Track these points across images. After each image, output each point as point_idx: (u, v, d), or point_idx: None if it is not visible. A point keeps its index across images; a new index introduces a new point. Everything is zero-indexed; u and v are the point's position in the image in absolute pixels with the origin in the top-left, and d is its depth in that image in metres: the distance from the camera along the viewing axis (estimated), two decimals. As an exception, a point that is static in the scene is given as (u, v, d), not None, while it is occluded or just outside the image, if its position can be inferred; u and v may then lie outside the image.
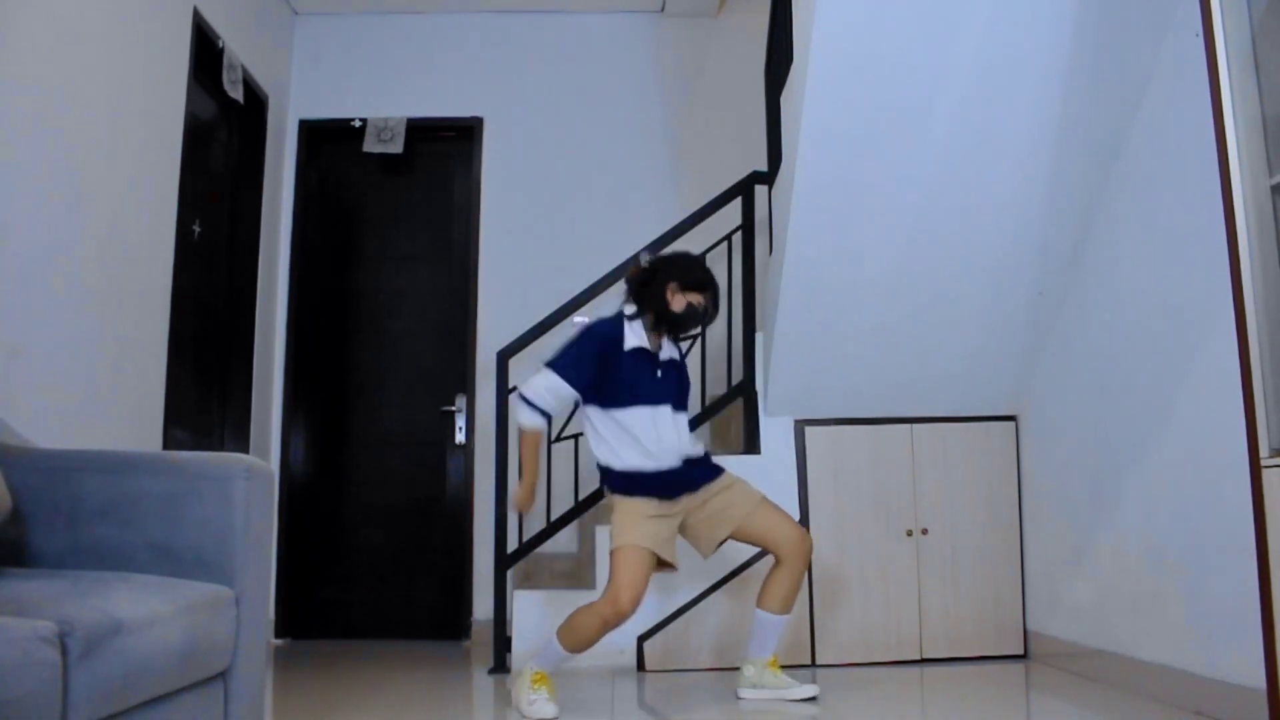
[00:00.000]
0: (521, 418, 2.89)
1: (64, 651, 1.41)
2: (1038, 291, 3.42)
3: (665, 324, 2.90)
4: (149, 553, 1.96)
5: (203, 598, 1.84)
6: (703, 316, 2.94)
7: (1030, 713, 3.00)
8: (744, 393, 3.82)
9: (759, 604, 2.95)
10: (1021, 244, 3.29)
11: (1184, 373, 2.72)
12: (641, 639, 3.54)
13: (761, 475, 3.65)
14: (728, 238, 3.91)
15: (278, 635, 4.33)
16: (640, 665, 3.53)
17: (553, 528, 3.75)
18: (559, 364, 2.86)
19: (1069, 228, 3.26)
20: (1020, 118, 3.01)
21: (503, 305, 4.50)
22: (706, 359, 4.02)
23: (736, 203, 3.88)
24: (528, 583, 4.17)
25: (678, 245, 3.86)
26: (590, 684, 3.29)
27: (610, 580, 2.78)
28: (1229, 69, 2.09)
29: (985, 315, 3.47)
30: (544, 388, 2.85)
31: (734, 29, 4.76)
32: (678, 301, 2.88)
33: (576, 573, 4.20)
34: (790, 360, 3.58)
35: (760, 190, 3.93)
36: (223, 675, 1.94)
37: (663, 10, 4.78)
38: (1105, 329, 3.17)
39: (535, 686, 2.78)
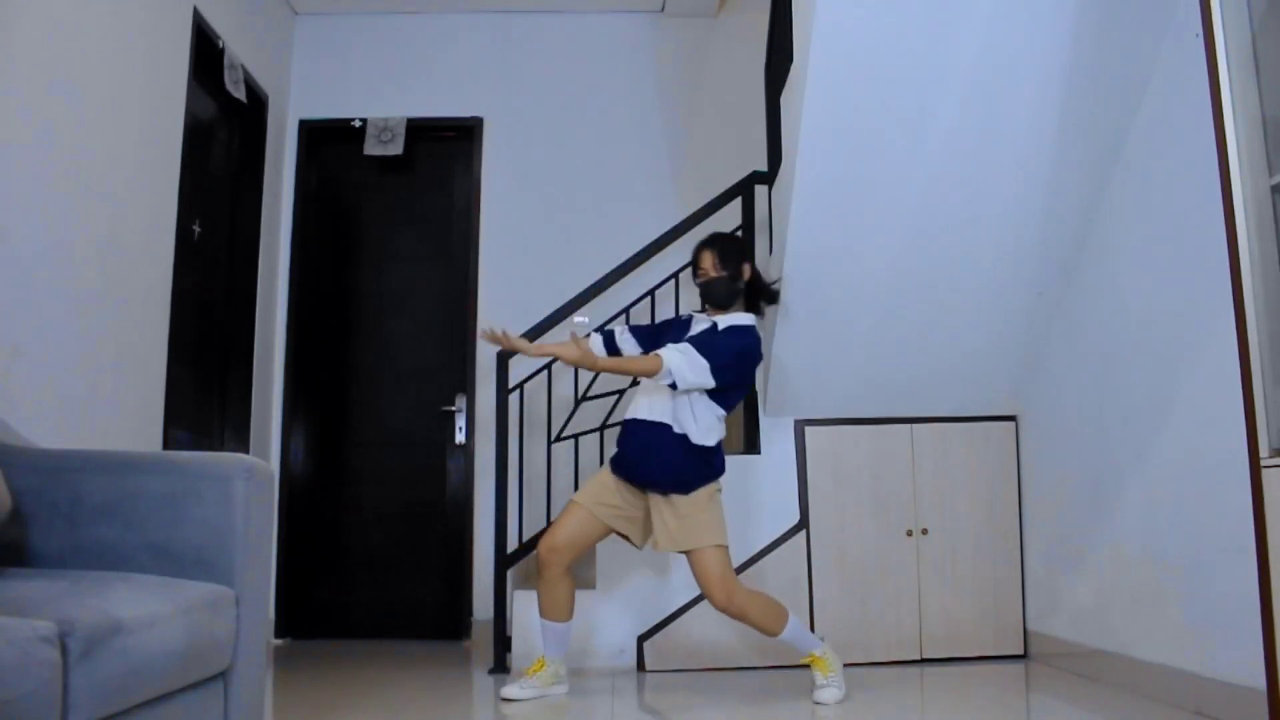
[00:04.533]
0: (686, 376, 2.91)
1: (64, 651, 1.41)
2: (1038, 291, 3.42)
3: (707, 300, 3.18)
4: (149, 553, 1.97)
5: (203, 598, 1.84)
6: (707, 280, 3.10)
7: (1030, 713, 3.00)
8: (744, 393, 3.82)
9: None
10: (1021, 244, 3.30)
11: (1184, 373, 2.72)
12: (641, 639, 3.54)
13: (761, 475, 3.69)
14: (728, 238, 3.91)
15: (278, 635, 4.33)
16: (640, 665, 3.53)
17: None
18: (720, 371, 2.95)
19: (1069, 228, 3.26)
20: (1020, 118, 3.01)
21: (503, 305, 4.49)
22: (706, 359, 4.01)
23: (736, 203, 3.88)
24: (528, 583, 4.16)
25: (677, 245, 3.88)
26: (590, 684, 3.29)
27: None
28: (1229, 69, 2.09)
29: (985, 315, 3.47)
30: (688, 369, 2.91)
31: (734, 29, 4.76)
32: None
33: (576, 572, 4.19)
34: (790, 360, 3.58)
35: (760, 190, 3.93)
36: (223, 675, 1.94)
37: (663, 10, 4.78)
38: (1105, 329, 3.17)
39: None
